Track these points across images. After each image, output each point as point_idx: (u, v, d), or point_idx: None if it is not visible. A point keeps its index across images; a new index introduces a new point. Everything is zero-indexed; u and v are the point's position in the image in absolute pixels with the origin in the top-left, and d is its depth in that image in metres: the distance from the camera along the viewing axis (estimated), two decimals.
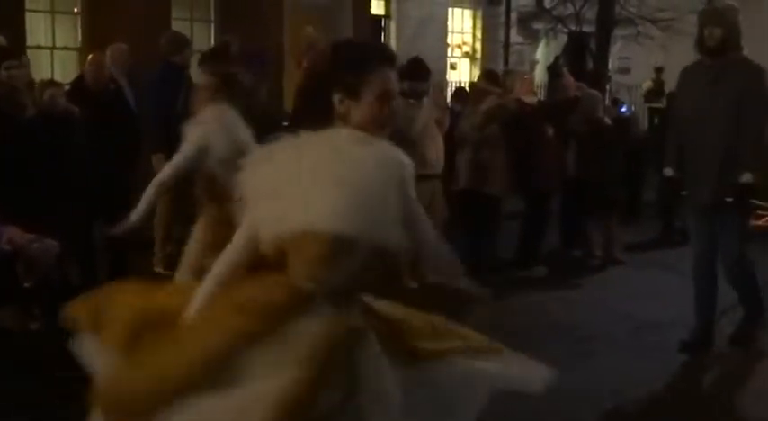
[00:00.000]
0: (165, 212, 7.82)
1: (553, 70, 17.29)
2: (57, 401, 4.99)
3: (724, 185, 5.91)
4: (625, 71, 20.59)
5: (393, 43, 17.14)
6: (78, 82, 7.94)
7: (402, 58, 12.28)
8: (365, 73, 2.94)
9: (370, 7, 16.47)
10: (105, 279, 7.32)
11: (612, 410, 5.22)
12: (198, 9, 14.06)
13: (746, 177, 5.84)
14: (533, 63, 19.58)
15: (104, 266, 7.48)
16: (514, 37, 19.32)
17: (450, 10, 19.45)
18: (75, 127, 6.97)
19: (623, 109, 12.81)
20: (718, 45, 5.99)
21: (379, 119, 2.98)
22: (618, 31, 17.80)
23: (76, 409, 3.14)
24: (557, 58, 18.17)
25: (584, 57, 18.08)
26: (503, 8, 19.19)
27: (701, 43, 6.11)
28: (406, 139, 7.63)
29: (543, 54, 20.25)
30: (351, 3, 15.75)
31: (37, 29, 12.36)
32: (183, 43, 8.34)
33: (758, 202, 7.07)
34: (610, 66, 17.72)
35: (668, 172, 6.28)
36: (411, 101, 7.66)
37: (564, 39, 19.06)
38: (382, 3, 17.74)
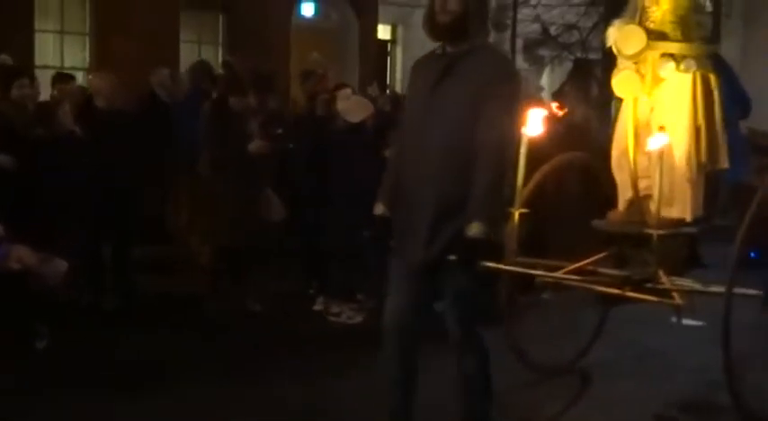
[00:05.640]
0: None
1: (558, 96, 17.37)
2: None
3: (442, 239, 4.05)
4: None
5: (399, 67, 17.22)
6: (87, 102, 7.93)
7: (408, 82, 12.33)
8: None
9: (376, 32, 16.54)
10: (113, 299, 7.35)
11: None
12: (206, 32, 14.12)
13: (476, 230, 3.91)
14: (538, 89, 19.62)
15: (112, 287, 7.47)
16: (520, 63, 19.32)
17: None
18: (80, 147, 6.98)
19: None
20: (455, 22, 4.06)
21: None
22: None
23: None
24: (562, 84, 18.21)
25: (589, 83, 18.11)
26: (508, 34, 19.23)
27: (430, 18, 4.13)
28: None
29: (548, 81, 20.29)
30: (357, 27, 15.82)
31: (45, 49, 12.40)
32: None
33: (493, 265, 4.29)
34: None
35: (379, 209, 4.33)
36: None
37: (569, 65, 19.10)
38: (389, 27, 17.84)
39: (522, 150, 4.87)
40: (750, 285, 5.13)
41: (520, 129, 4.30)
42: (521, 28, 19.11)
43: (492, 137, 3.95)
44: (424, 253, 4.08)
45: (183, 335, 6.71)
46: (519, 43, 19.24)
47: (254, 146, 7.35)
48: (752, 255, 7.89)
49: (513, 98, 4.11)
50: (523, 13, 19.06)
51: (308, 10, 15.69)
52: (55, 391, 5.45)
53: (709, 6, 23.70)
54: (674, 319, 5.14)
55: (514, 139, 4.17)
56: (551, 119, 7.55)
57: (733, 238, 5.03)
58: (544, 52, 19.95)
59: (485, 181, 3.94)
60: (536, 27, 19.40)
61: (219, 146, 7.23)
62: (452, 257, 4.01)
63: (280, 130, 7.91)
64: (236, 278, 7.47)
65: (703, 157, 5.57)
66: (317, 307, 7.59)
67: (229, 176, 7.19)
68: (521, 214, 5.22)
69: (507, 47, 19.25)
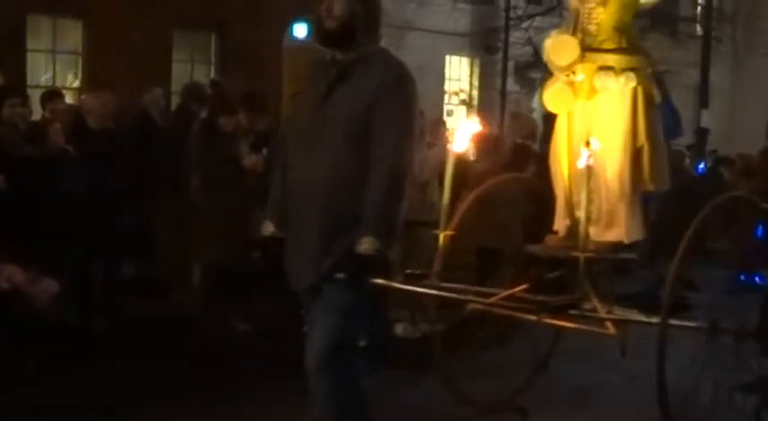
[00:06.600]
0: None
1: (549, 118, 17.49)
2: None
3: (331, 258, 3.74)
4: None
5: None
6: (79, 122, 7.94)
7: None
8: None
9: None
10: (102, 320, 7.32)
11: None
12: (198, 51, 14.15)
13: (368, 245, 3.65)
14: (530, 111, 19.74)
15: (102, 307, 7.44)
16: (511, 85, 19.46)
17: (447, 57, 19.60)
18: (71, 167, 6.98)
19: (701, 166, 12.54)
20: (342, 28, 3.81)
21: None
22: None
23: None
24: None
25: None
26: (500, 57, 19.35)
27: (318, 25, 3.90)
28: (416, 182, 7.37)
29: (540, 103, 20.42)
30: None
31: (37, 68, 12.41)
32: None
33: (387, 283, 3.88)
34: None
35: (268, 229, 4.08)
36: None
37: None
38: None
39: (449, 168, 4.43)
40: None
41: (414, 137, 3.90)
42: (512, 50, 19.24)
43: (385, 147, 3.71)
44: (313, 275, 3.79)
45: (172, 355, 6.67)
46: (510, 65, 19.36)
47: (249, 161, 7.38)
48: (741, 277, 7.86)
49: (407, 105, 3.82)
50: (515, 35, 19.19)
51: (300, 31, 15.73)
52: (42, 414, 5.41)
53: (698, 31, 23.95)
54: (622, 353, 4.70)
55: (411, 148, 3.83)
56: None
57: (722, 262, 4.76)
58: (535, 74, 20.05)
59: (377, 194, 3.68)
60: (527, 49, 19.53)
61: (209, 165, 7.23)
62: (340, 276, 3.69)
63: (264, 150, 7.86)
64: (225, 297, 7.45)
65: (646, 178, 5.15)
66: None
67: (219, 195, 7.19)
68: (446, 236, 4.75)
69: (499, 69, 19.39)
